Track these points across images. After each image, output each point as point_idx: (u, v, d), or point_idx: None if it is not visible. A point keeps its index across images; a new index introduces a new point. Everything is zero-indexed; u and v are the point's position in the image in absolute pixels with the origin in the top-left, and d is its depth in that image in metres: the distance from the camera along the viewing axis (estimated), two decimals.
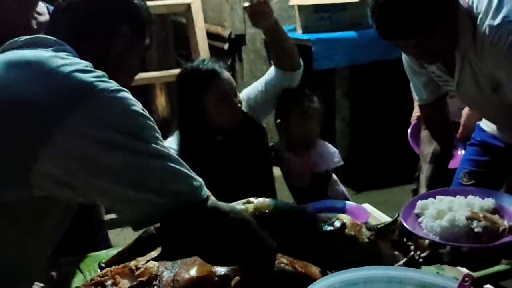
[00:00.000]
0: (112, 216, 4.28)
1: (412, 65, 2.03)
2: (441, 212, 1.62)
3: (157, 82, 5.32)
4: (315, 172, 2.39)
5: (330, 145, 2.45)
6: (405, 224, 1.64)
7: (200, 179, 1.25)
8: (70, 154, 1.14)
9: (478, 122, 2.27)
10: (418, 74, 2.04)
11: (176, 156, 1.23)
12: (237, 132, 2.34)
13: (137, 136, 1.18)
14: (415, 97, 2.15)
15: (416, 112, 2.91)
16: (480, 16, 1.74)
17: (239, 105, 2.32)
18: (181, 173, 1.21)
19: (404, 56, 2.04)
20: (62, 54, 1.23)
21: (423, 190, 1.97)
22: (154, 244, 1.58)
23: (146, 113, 1.22)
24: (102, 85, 1.18)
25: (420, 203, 1.70)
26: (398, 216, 1.85)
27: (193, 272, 1.40)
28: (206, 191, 1.25)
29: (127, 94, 1.20)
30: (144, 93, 5.70)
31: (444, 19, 1.72)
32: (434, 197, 1.71)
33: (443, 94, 2.07)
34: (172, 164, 1.20)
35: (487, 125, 2.19)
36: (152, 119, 1.23)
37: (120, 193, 1.16)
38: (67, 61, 1.20)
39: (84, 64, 1.22)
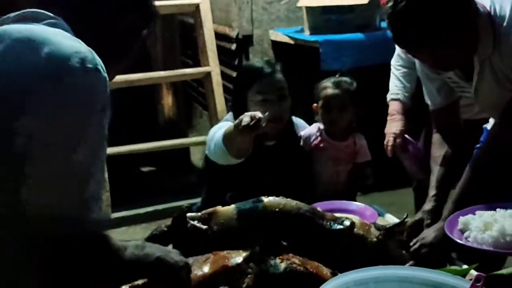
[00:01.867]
0: (119, 214, 4.32)
1: (426, 70, 2.02)
2: (488, 224, 1.64)
3: (163, 82, 5.33)
4: (357, 161, 2.42)
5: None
6: (456, 239, 1.66)
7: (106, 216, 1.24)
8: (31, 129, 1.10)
9: (485, 126, 2.25)
10: (432, 79, 2.03)
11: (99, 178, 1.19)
12: (285, 142, 2.37)
13: (80, 134, 1.14)
14: (427, 101, 2.12)
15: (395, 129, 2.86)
16: (505, 24, 1.73)
17: (285, 112, 2.32)
18: (95, 197, 1.17)
19: (418, 64, 2.04)
20: (51, 29, 1.19)
21: (432, 191, 1.97)
22: (165, 242, 1.59)
23: (107, 109, 1.18)
24: (78, 64, 1.13)
25: (462, 219, 1.72)
26: (406, 217, 1.87)
27: (206, 269, 1.40)
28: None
29: (100, 81, 1.17)
30: (150, 93, 5.71)
31: (462, 29, 1.71)
32: (474, 213, 1.73)
33: (457, 98, 2.06)
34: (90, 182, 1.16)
35: None
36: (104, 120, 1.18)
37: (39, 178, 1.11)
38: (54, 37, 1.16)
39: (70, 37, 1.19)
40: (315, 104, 2.43)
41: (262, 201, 1.68)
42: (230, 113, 2.43)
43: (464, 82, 1.93)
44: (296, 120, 2.51)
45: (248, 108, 2.28)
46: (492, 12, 1.77)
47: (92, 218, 1.17)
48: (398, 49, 2.84)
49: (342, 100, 2.35)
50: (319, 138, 2.40)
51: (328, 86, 2.37)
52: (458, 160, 2.06)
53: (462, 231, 1.70)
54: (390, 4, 1.72)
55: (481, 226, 1.64)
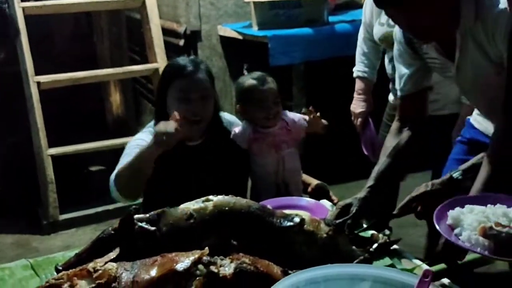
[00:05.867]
0: (67, 216, 4.23)
1: (406, 56, 1.98)
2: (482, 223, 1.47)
3: (110, 79, 5.24)
4: (298, 137, 2.45)
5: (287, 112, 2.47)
6: (449, 238, 1.50)
7: None
8: None
9: (468, 117, 2.21)
10: (408, 65, 1.99)
11: None
12: (212, 140, 2.34)
13: None
14: (397, 86, 2.07)
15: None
16: None
17: (208, 112, 2.29)
18: None
19: (398, 46, 1.99)
20: None
21: (370, 182, 1.96)
22: (112, 245, 1.56)
23: None
24: None
25: (451, 213, 1.55)
26: (354, 211, 1.88)
27: (153, 272, 1.37)
28: None
29: None
30: (97, 90, 5.60)
31: None
32: (462, 206, 1.56)
33: (425, 88, 2.03)
34: None
35: (477, 122, 2.13)
36: None
37: None
38: None
39: None
40: (238, 105, 2.41)
41: (211, 200, 1.65)
42: (152, 122, 2.37)
43: (445, 59, 1.88)
44: (226, 116, 2.48)
45: (168, 106, 2.25)
46: None
47: None
48: (364, 20, 2.86)
49: (274, 93, 2.37)
50: (253, 132, 2.38)
51: (254, 83, 2.36)
52: (410, 152, 2.03)
53: (452, 227, 1.53)
54: None
55: (476, 226, 1.48)
